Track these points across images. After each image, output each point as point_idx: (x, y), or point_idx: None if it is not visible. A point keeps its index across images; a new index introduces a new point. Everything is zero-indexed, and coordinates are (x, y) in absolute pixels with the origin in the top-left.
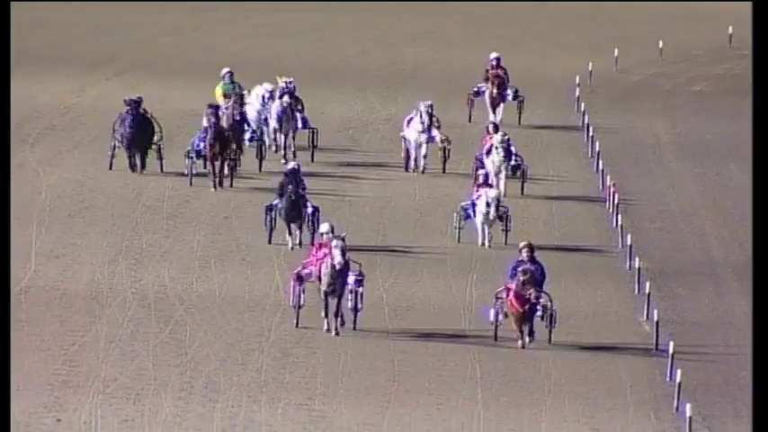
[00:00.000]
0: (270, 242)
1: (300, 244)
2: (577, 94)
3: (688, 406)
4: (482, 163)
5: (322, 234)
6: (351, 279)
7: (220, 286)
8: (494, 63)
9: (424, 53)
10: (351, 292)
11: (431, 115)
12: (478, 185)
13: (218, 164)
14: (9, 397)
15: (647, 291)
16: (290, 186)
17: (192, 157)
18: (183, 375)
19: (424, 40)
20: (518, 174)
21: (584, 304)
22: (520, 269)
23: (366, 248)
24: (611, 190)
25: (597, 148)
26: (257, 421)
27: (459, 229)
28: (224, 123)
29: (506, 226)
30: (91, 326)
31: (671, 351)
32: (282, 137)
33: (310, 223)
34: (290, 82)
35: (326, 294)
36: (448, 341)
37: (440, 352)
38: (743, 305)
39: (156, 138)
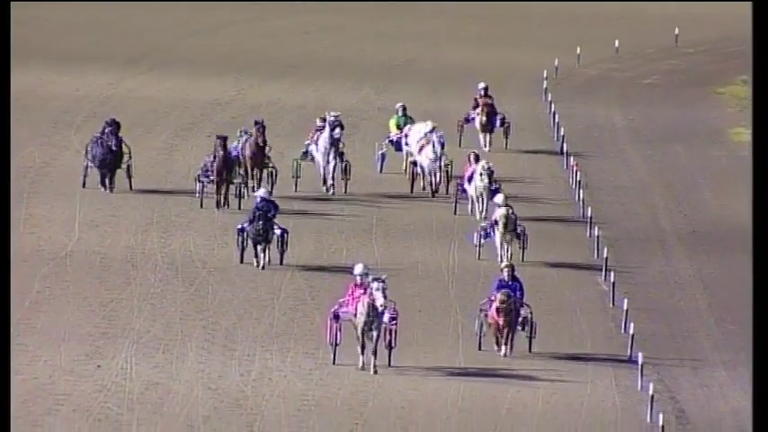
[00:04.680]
0: (242, 262)
1: (266, 265)
2: (545, 85)
3: (640, 354)
4: (463, 188)
5: (356, 275)
6: (386, 318)
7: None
8: (482, 92)
9: (413, 51)
10: (385, 330)
11: (443, 145)
12: (498, 206)
13: (223, 188)
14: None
15: (604, 255)
16: (258, 212)
17: (202, 181)
18: (205, 328)
19: (414, 39)
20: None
21: (551, 267)
22: (497, 298)
23: (363, 216)
24: (574, 169)
25: (562, 133)
26: (270, 368)
27: (480, 246)
28: (247, 149)
29: (524, 244)
30: (126, 286)
31: (625, 307)
32: (330, 168)
33: (279, 245)
34: (338, 116)
35: (363, 333)
36: (433, 298)
37: (426, 308)
38: (687, 267)
39: (125, 158)
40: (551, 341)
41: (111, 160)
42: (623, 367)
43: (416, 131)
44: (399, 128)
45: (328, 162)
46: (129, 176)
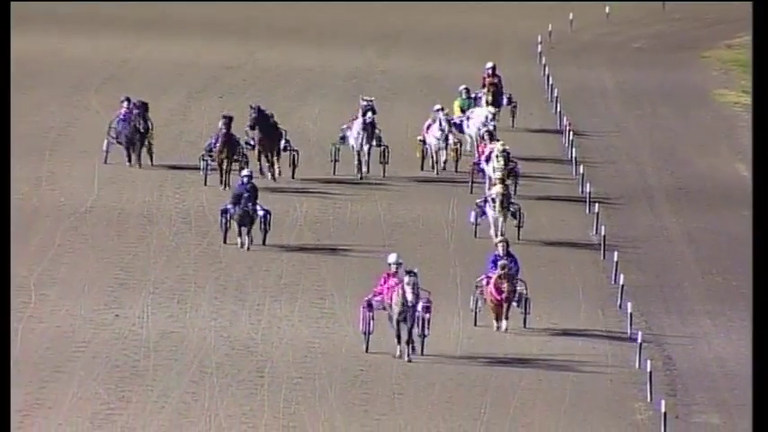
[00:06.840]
0: (225, 242)
1: (250, 244)
2: (539, 49)
3: (629, 304)
4: (480, 168)
5: (390, 264)
6: (419, 306)
7: None
8: (489, 72)
9: (413, 16)
10: (419, 318)
11: (449, 122)
12: (491, 184)
13: (225, 167)
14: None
15: (595, 211)
16: (246, 193)
17: (206, 160)
18: (217, 279)
19: (414, 5)
20: (511, 177)
21: (545, 223)
22: (499, 263)
23: (369, 177)
24: (567, 128)
25: (555, 94)
26: (278, 317)
27: (476, 224)
28: (256, 135)
29: (519, 223)
30: (143, 239)
31: (615, 259)
32: (364, 151)
33: (262, 225)
34: (372, 100)
35: (398, 322)
36: (433, 251)
37: (427, 260)
38: (674, 222)
39: (148, 135)
40: (545, 289)
41: (138, 139)
42: (613, 316)
43: (478, 114)
44: (463, 110)
45: (362, 146)
46: (150, 153)
